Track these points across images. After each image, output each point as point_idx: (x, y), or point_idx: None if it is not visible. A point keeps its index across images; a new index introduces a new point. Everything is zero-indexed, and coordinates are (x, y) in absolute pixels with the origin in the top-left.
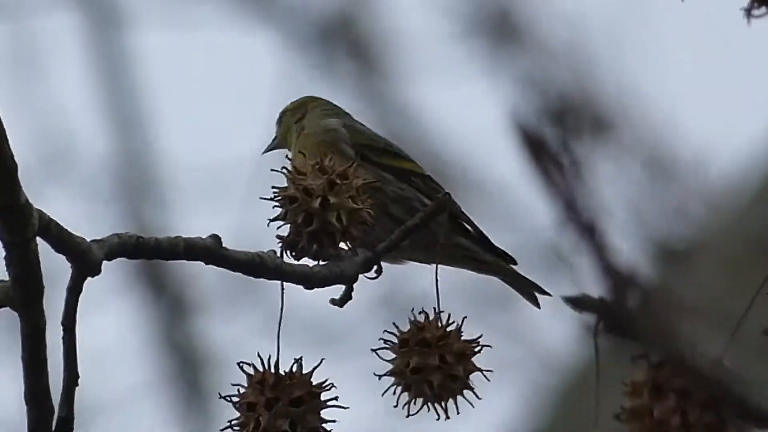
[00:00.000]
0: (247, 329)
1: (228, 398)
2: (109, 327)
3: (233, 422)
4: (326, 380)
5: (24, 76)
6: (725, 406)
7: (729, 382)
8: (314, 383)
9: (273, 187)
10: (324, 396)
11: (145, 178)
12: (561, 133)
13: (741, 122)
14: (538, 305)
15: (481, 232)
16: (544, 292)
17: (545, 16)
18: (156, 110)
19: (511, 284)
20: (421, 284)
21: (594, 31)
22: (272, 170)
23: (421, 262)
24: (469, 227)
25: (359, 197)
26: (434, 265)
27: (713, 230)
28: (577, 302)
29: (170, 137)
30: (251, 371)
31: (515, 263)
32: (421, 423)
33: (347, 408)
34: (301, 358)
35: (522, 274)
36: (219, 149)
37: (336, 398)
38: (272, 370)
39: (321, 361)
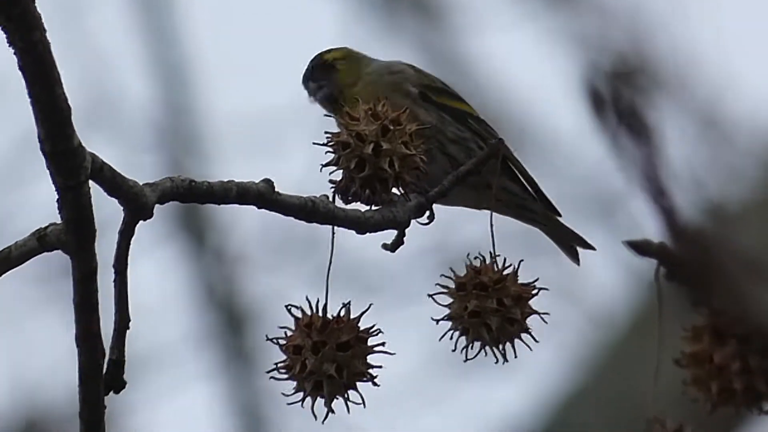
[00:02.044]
0: (291, 282)
1: (274, 340)
2: (153, 276)
3: (279, 365)
4: (374, 325)
5: (66, 24)
6: None
7: None
8: (361, 328)
9: (326, 132)
10: (371, 341)
11: (189, 127)
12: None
13: None
14: (578, 261)
15: (532, 179)
16: (589, 246)
17: None
18: (201, 59)
19: (553, 237)
20: (470, 234)
21: None
22: (325, 115)
23: (471, 206)
24: (519, 174)
25: (412, 143)
26: (485, 212)
27: (765, 189)
28: (639, 247)
29: (215, 87)
30: (299, 314)
31: (560, 215)
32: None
33: (394, 354)
34: (349, 303)
35: (567, 225)
36: (264, 101)
37: (383, 344)
38: (320, 314)
39: (369, 306)
